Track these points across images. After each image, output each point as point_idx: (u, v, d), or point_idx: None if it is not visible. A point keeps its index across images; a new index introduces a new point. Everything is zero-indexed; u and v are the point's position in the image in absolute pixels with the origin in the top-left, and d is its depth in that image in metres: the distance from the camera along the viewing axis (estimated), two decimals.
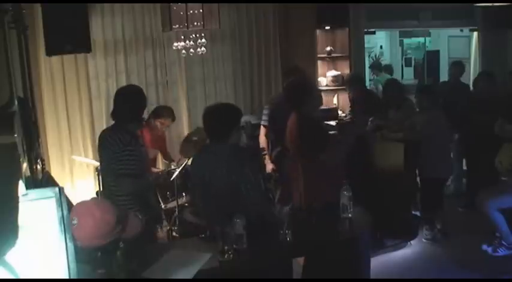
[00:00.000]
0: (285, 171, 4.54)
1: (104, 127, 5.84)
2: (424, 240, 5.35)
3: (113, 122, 3.76)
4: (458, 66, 6.73)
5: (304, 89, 4.11)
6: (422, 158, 5.25)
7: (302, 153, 3.95)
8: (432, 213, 5.39)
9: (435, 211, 5.39)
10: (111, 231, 2.31)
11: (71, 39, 4.51)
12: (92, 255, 2.30)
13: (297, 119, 4.02)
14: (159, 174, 5.30)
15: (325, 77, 7.48)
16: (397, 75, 10.99)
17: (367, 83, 8.89)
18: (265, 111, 5.28)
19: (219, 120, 3.38)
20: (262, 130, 5.25)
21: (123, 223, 2.39)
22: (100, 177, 5.03)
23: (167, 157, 5.95)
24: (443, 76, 7.76)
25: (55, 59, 5.68)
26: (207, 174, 3.38)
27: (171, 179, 5.00)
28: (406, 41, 12.15)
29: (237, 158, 3.36)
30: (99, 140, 3.82)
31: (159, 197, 5.19)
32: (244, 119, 5.63)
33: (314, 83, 4.81)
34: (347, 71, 7.42)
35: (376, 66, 9.72)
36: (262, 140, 5.38)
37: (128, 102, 3.70)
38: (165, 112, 5.57)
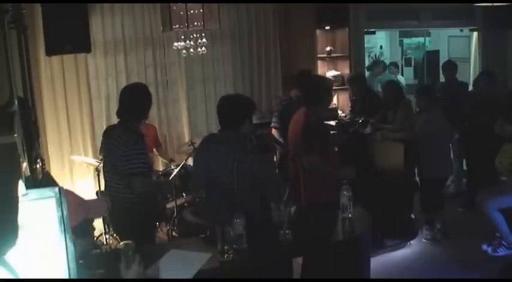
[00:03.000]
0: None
1: (104, 127, 5.84)
2: (424, 240, 5.35)
3: (113, 121, 3.75)
4: (449, 66, 6.74)
5: (325, 88, 4.12)
6: (423, 158, 5.25)
7: (304, 153, 3.94)
8: (432, 213, 5.39)
9: (435, 211, 5.39)
10: (76, 212, 2.33)
11: (71, 39, 4.51)
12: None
13: (305, 119, 4.01)
14: (159, 174, 5.32)
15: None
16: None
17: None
18: (275, 113, 5.27)
19: (231, 108, 3.43)
20: (274, 132, 5.24)
21: (85, 205, 2.41)
22: (99, 177, 5.05)
23: (164, 154, 5.96)
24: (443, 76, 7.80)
25: (55, 58, 5.68)
26: (212, 161, 3.40)
27: (169, 178, 5.00)
28: (406, 41, 12.15)
29: (244, 146, 3.40)
30: (105, 137, 3.79)
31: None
32: None
33: (329, 81, 4.80)
34: (347, 71, 7.43)
35: (380, 65, 9.69)
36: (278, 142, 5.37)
37: (135, 100, 3.68)
38: None
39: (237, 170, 3.28)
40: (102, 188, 4.99)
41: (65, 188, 2.72)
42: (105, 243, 5.10)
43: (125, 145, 3.53)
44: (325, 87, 4.18)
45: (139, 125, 3.74)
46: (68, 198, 2.35)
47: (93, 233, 3.10)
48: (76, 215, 2.34)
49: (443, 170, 5.41)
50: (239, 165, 3.28)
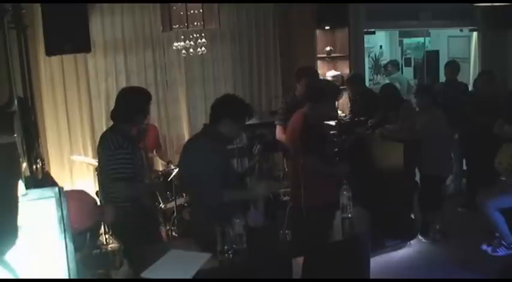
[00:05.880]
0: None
1: (104, 127, 5.86)
2: (424, 240, 5.34)
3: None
4: (450, 66, 6.74)
5: (325, 89, 4.12)
6: (423, 157, 5.23)
7: (302, 154, 3.94)
8: (431, 212, 5.38)
9: (434, 211, 5.38)
10: (93, 212, 2.35)
11: (70, 39, 4.50)
12: (82, 238, 2.33)
13: (303, 120, 4.00)
14: (159, 174, 5.31)
15: (325, 77, 7.48)
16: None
17: (367, 83, 8.89)
18: (280, 111, 5.28)
19: (213, 104, 3.48)
20: (279, 129, 5.25)
21: (100, 207, 2.44)
22: (99, 177, 5.06)
23: (163, 155, 5.96)
24: (443, 76, 7.79)
25: (55, 59, 5.68)
26: (184, 156, 3.49)
27: (169, 179, 5.00)
28: (406, 41, 12.13)
29: (198, 148, 3.42)
30: (99, 142, 3.83)
31: (158, 196, 5.20)
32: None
33: (337, 86, 4.78)
34: (347, 71, 7.42)
35: (395, 65, 9.65)
36: (282, 140, 5.34)
37: (123, 103, 3.69)
38: None
39: (186, 171, 3.42)
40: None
41: (81, 189, 2.72)
42: (105, 243, 5.11)
43: (109, 149, 3.57)
44: (330, 82, 4.20)
45: (131, 129, 3.74)
46: (86, 199, 2.37)
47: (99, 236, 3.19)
48: (93, 215, 2.37)
49: (443, 169, 5.39)
50: (187, 166, 3.39)
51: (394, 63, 9.65)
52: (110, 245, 5.06)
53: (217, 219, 3.14)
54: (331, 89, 4.22)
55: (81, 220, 2.28)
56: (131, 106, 3.67)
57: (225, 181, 3.32)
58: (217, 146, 3.40)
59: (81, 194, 2.41)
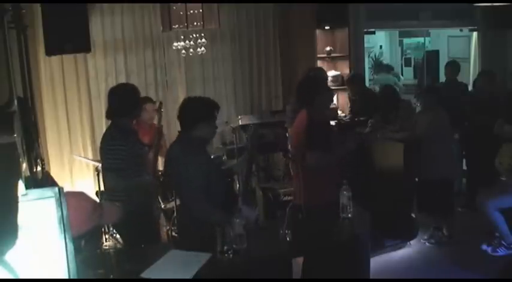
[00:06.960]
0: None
1: (104, 126, 5.85)
2: (428, 244, 5.29)
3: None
4: (450, 66, 6.74)
5: (314, 87, 4.09)
6: (430, 159, 5.12)
7: (307, 151, 3.92)
8: (442, 216, 5.31)
9: (445, 215, 5.31)
10: (89, 217, 2.32)
11: (70, 39, 4.51)
12: (76, 244, 2.31)
13: (307, 118, 3.98)
14: (159, 174, 5.30)
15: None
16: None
17: (367, 83, 8.89)
18: (288, 114, 5.27)
19: (184, 110, 3.43)
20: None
21: (100, 210, 2.41)
22: (99, 177, 5.05)
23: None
24: (443, 76, 7.80)
25: (55, 59, 5.68)
26: (169, 163, 3.51)
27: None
28: (406, 41, 12.15)
29: (181, 148, 3.41)
30: (100, 141, 3.98)
31: (158, 196, 5.19)
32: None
33: (324, 81, 4.72)
34: (347, 71, 7.43)
35: (381, 66, 9.67)
36: None
37: (116, 99, 3.82)
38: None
39: (172, 171, 3.43)
40: (102, 188, 5.01)
41: (80, 191, 2.73)
42: (104, 242, 5.10)
43: (105, 142, 3.80)
44: (315, 87, 4.14)
45: (127, 122, 3.88)
46: (83, 204, 2.35)
47: (101, 238, 3.21)
48: (89, 220, 2.34)
49: (450, 171, 5.30)
50: (174, 167, 3.38)
51: (378, 64, 9.67)
52: (104, 244, 5.05)
53: (201, 222, 3.21)
54: (319, 78, 4.21)
55: (76, 226, 2.25)
56: (125, 100, 3.80)
57: (209, 181, 3.34)
58: (199, 148, 3.43)
59: (77, 199, 2.37)
